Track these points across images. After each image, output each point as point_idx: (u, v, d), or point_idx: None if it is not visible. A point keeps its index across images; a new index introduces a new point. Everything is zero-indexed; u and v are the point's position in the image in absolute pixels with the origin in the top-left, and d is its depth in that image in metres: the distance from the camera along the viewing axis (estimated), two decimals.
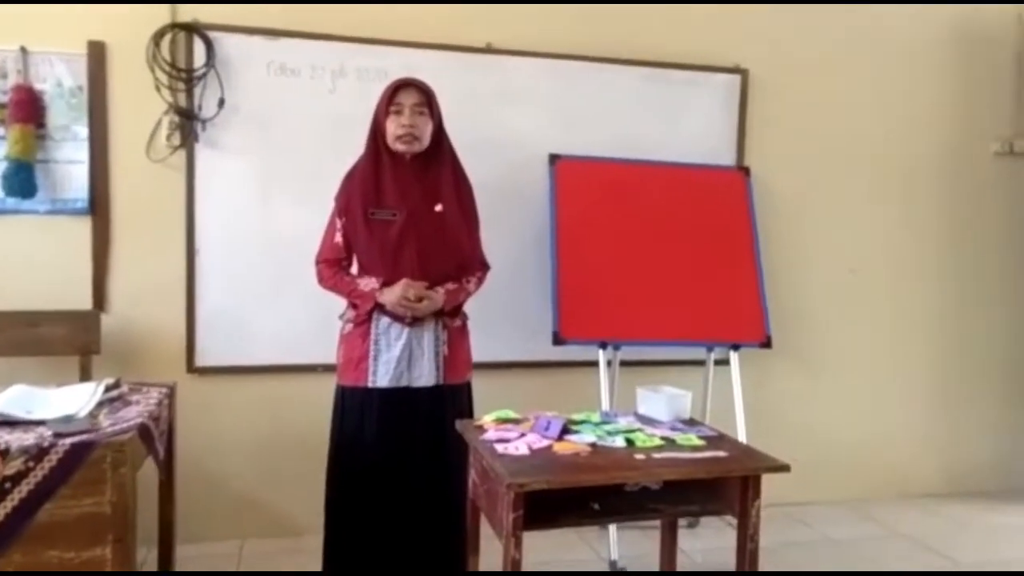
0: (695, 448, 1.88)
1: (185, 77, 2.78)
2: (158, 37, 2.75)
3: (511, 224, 3.12)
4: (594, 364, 2.98)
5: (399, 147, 2.29)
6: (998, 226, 3.75)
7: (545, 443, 1.87)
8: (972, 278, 3.73)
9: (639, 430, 2.01)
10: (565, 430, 1.97)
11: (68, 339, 2.64)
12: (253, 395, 2.98)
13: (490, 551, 2.01)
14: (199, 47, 2.79)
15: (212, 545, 2.92)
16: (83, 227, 2.80)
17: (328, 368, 2.51)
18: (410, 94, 2.29)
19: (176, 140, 2.81)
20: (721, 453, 1.84)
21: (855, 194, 3.55)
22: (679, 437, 1.96)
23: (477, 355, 2.91)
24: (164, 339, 2.88)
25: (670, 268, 3.06)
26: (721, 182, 3.25)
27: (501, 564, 1.73)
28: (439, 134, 2.37)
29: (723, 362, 3.10)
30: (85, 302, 2.79)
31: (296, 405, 2.98)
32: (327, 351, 2.51)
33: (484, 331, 2.98)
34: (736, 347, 3.02)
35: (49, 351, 2.64)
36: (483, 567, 2.13)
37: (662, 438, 1.95)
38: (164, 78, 2.77)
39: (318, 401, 2.64)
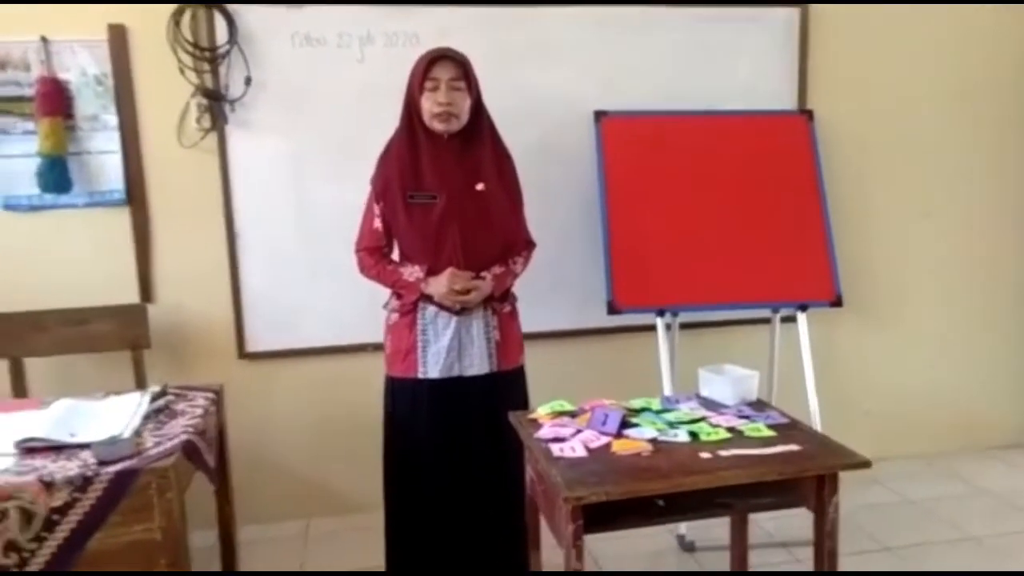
0: (765, 441, 1.75)
1: (209, 57, 2.66)
2: (177, 16, 2.63)
3: (557, 188, 2.97)
4: (652, 328, 2.84)
5: (436, 126, 2.14)
6: None
7: (603, 441, 1.77)
8: None
9: (703, 419, 1.89)
10: (624, 423, 1.86)
11: (118, 334, 2.62)
12: (305, 377, 2.95)
13: (552, 544, 1.94)
14: (220, 24, 2.67)
15: (278, 526, 2.95)
16: (122, 218, 2.75)
17: (377, 347, 2.43)
18: (446, 67, 2.13)
19: (206, 123, 2.71)
20: (794, 447, 1.71)
21: (927, 134, 3.28)
22: (747, 427, 1.83)
23: (530, 326, 2.81)
24: (213, 327, 2.85)
25: (729, 225, 2.87)
26: (782, 128, 3.02)
27: (563, 561, 1.66)
28: (477, 108, 2.21)
29: (790, 319, 2.93)
30: (131, 295, 2.76)
31: (348, 384, 2.94)
32: (374, 330, 2.43)
33: (536, 301, 2.88)
34: (804, 307, 2.84)
35: (99, 347, 2.63)
36: (544, 562, 2.07)
37: (728, 429, 1.82)
38: (188, 59, 2.66)
39: (369, 379, 2.59)
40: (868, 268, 3.30)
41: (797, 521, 2.67)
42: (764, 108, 3.07)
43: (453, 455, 2.23)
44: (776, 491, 1.76)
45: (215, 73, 2.70)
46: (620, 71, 2.99)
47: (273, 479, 2.98)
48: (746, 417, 1.90)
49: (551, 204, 2.96)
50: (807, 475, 1.66)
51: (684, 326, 3.02)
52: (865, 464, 1.65)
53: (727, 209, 2.88)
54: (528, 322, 2.78)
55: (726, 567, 2.28)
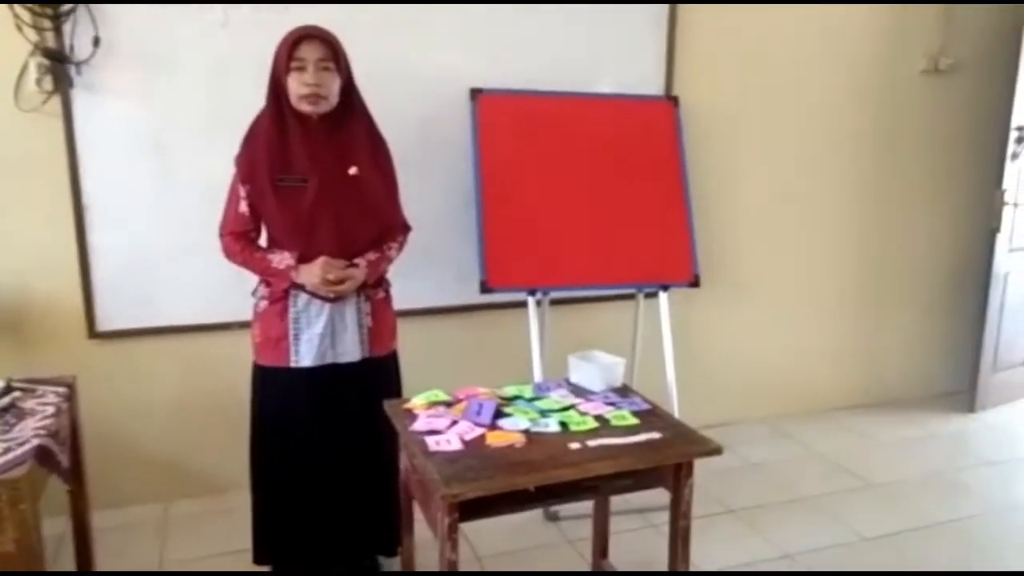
0: (629, 429, 1.86)
1: (51, 13, 2.43)
2: None
3: (433, 165, 2.96)
4: (524, 305, 2.91)
5: (304, 108, 2.07)
6: (922, 145, 3.78)
7: (478, 432, 1.82)
8: (892, 197, 3.78)
9: (572, 407, 1.98)
10: (498, 413, 1.91)
11: None
12: (165, 356, 2.82)
13: (425, 530, 1.99)
14: None
15: (136, 509, 2.85)
16: None
17: (243, 325, 2.36)
18: (313, 47, 2.06)
19: (48, 85, 2.49)
20: (655, 435, 1.83)
21: (783, 117, 3.50)
22: (613, 415, 1.93)
23: (406, 303, 2.83)
24: (60, 305, 2.67)
25: (598, 207, 2.96)
26: (649, 113, 3.13)
27: (435, 543, 1.70)
28: (349, 89, 2.15)
29: (654, 295, 3.08)
30: None
31: (211, 363, 2.85)
32: (239, 307, 2.37)
33: (411, 277, 2.90)
34: (665, 287, 3.00)
35: None
36: (417, 546, 2.12)
37: (596, 417, 1.92)
38: (25, 15, 2.42)
39: (233, 359, 2.54)
40: (730, 248, 3.52)
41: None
42: (636, 92, 3.16)
43: (326, 441, 2.22)
44: (638, 474, 1.88)
45: (58, 31, 2.47)
46: (498, 49, 2.98)
47: (129, 462, 2.85)
48: (612, 404, 2.01)
49: (429, 181, 2.95)
50: (669, 463, 1.77)
51: (555, 302, 3.11)
52: (717, 451, 1.79)
53: (595, 191, 2.97)
54: (404, 299, 2.78)
55: (588, 535, 2.41)
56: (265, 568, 2.32)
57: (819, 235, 3.69)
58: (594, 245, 2.94)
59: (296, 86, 2.06)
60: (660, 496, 2.76)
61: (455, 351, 3.09)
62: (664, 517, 2.74)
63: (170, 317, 2.77)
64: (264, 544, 2.30)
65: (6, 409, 1.74)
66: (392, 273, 2.44)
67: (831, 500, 2.96)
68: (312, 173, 2.10)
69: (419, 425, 1.86)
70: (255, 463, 2.27)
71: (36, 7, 2.42)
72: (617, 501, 2.73)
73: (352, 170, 2.15)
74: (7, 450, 1.54)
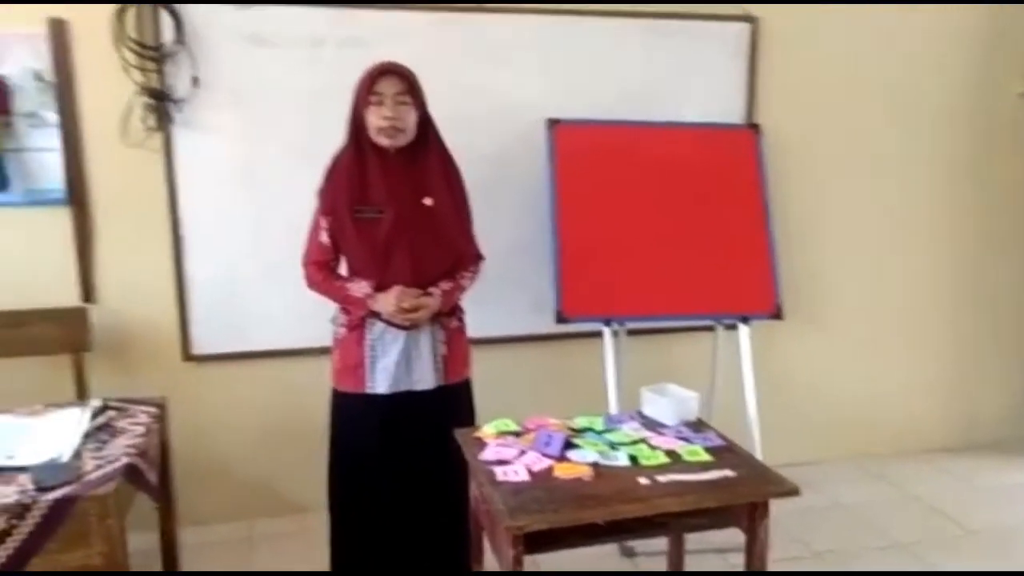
0: (703, 466, 1.82)
1: (154, 55, 2.60)
2: (121, 13, 2.56)
3: (510, 195, 3.00)
4: (600, 335, 2.89)
5: (383, 140, 2.14)
6: (1020, 171, 3.58)
7: (546, 464, 1.81)
8: (990, 227, 3.59)
9: (643, 441, 1.94)
10: (567, 444, 1.90)
11: (58, 338, 2.57)
12: (252, 380, 2.93)
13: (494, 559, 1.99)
14: (167, 22, 2.60)
15: (222, 527, 2.95)
16: (63, 218, 2.68)
17: (326, 350, 2.43)
18: (391, 82, 2.13)
19: (151, 122, 2.66)
20: (728, 473, 1.78)
21: (871, 144, 3.38)
22: (685, 451, 1.89)
23: (480, 331, 2.86)
24: (158, 329, 2.81)
25: (676, 237, 2.92)
26: (730, 141, 3.08)
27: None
28: (425, 122, 2.21)
29: (734, 327, 3.01)
30: (72, 297, 2.71)
31: (296, 387, 2.93)
32: (323, 334, 2.43)
33: (487, 305, 2.92)
34: (745, 319, 2.92)
35: (39, 351, 2.57)
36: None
37: (667, 452, 1.88)
38: (132, 57, 2.59)
39: (317, 384, 2.59)
40: (814, 278, 3.40)
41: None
42: (716, 120, 3.12)
43: (400, 468, 2.25)
44: (711, 513, 1.82)
45: (160, 72, 2.64)
46: (575, 79, 3.00)
47: (217, 481, 2.96)
48: (685, 439, 1.96)
49: (504, 210, 2.98)
50: (740, 502, 1.72)
51: (632, 332, 3.07)
52: (794, 492, 1.72)
53: (674, 220, 2.94)
54: (478, 328, 2.81)
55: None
56: None
57: (911, 266, 3.52)
58: (672, 275, 2.90)
59: (374, 119, 2.13)
60: (740, 535, 2.71)
61: (530, 380, 3.09)
62: (738, 558, 2.68)
63: (259, 342, 2.88)
64: (341, 566, 2.34)
65: (100, 428, 1.84)
66: (468, 301, 2.47)
67: (927, 547, 2.79)
68: (389, 204, 2.16)
69: (487, 454, 1.87)
70: (332, 486, 2.33)
71: (141, 49, 2.58)
72: (696, 540, 2.66)
73: (427, 201, 2.20)
74: (98, 467, 1.63)
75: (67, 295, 2.70)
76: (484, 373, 2.84)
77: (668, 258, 2.91)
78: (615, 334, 2.90)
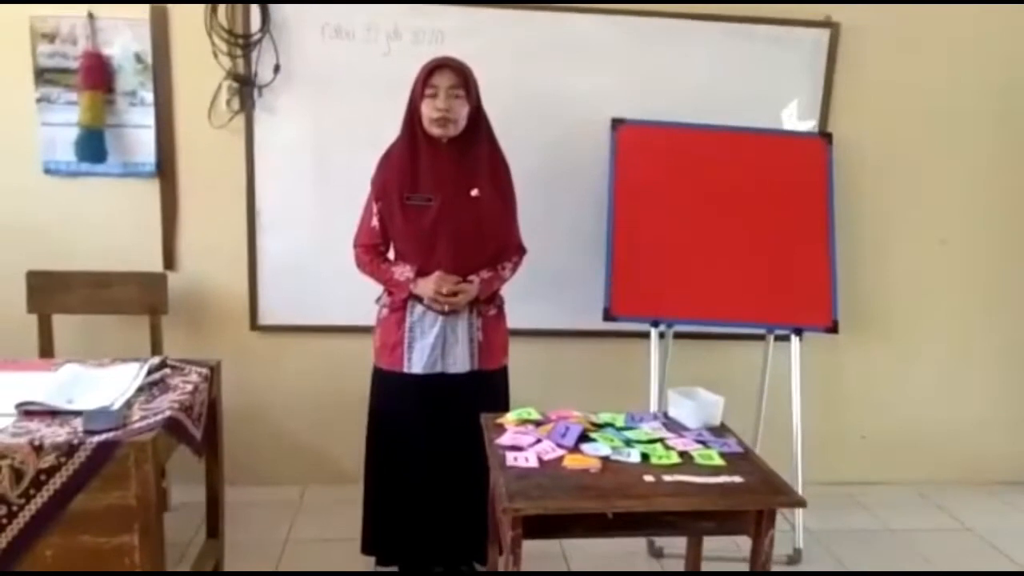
0: (713, 470, 1.82)
1: (241, 43, 2.79)
2: (215, 3, 2.75)
3: (570, 190, 3.04)
4: (648, 335, 2.90)
5: (435, 131, 2.23)
6: None
7: (557, 454, 1.86)
8: None
9: (660, 440, 1.96)
10: (583, 437, 1.95)
11: (138, 299, 2.80)
12: (312, 352, 3.10)
13: None
14: (255, 12, 2.78)
15: (276, 489, 3.13)
16: (152, 189, 2.92)
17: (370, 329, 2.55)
18: (445, 75, 2.22)
19: (235, 105, 2.85)
20: (737, 479, 1.78)
21: (950, 157, 3.23)
22: (699, 453, 1.90)
23: (528, 322, 2.94)
24: (229, 298, 3.02)
25: (734, 243, 2.90)
26: (799, 149, 3.01)
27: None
28: (476, 116, 2.29)
29: (786, 338, 2.95)
30: (156, 263, 2.94)
31: (354, 362, 3.00)
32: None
33: (538, 298, 3.02)
34: (798, 331, 2.87)
35: (120, 310, 2.80)
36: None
37: (680, 453, 1.90)
38: (222, 45, 2.79)
39: (370, 359, 2.71)
40: (880, 292, 3.30)
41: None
42: (788, 127, 3.07)
43: (432, 446, 2.35)
44: (719, 518, 1.84)
45: (247, 59, 2.82)
46: (643, 80, 3.01)
47: (275, 445, 3.16)
48: (702, 442, 1.97)
49: (564, 206, 3.04)
50: (742, 509, 1.72)
51: (682, 335, 3.07)
52: (800, 503, 1.71)
53: (733, 226, 2.91)
54: (527, 319, 2.90)
55: None
56: (371, 558, 2.48)
57: (986, 286, 3.35)
58: (726, 281, 2.87)
59: (428, 111, 2.23)
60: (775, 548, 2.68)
61: (576, 375, 3.13)
62: (775, 572, 2.65)
63: (319, 317, 3.04)
64: (371, 536, 2.47)
65: (155, 383, 2.01)
66: (520, 293, 2.55)
67: None
68: (437, 193, 2.26)
69: (504, 440, 1.94)
70: (368, 458, 2.45)
71: (230, 37, 2.77)
72: (725, 546, 2.66)
73: (474, 192, 2.28)
74: (143, 417, 1.79)
75: (152, 261, 2.93)
76: (529, 364, 2.92)
77: (723, 264, 2.89)
78: (661, 336, 2.91)
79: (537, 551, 2.62)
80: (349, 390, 3.07)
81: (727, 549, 2.56)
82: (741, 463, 1.88)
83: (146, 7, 2.78)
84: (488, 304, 2.37)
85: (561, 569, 2.66)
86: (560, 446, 1.90)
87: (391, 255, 2.41)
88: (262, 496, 3.06)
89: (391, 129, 2.37)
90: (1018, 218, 3.32)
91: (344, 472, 3.15)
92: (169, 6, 2.79)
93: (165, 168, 2.89)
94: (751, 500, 1.72)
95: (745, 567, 2.59)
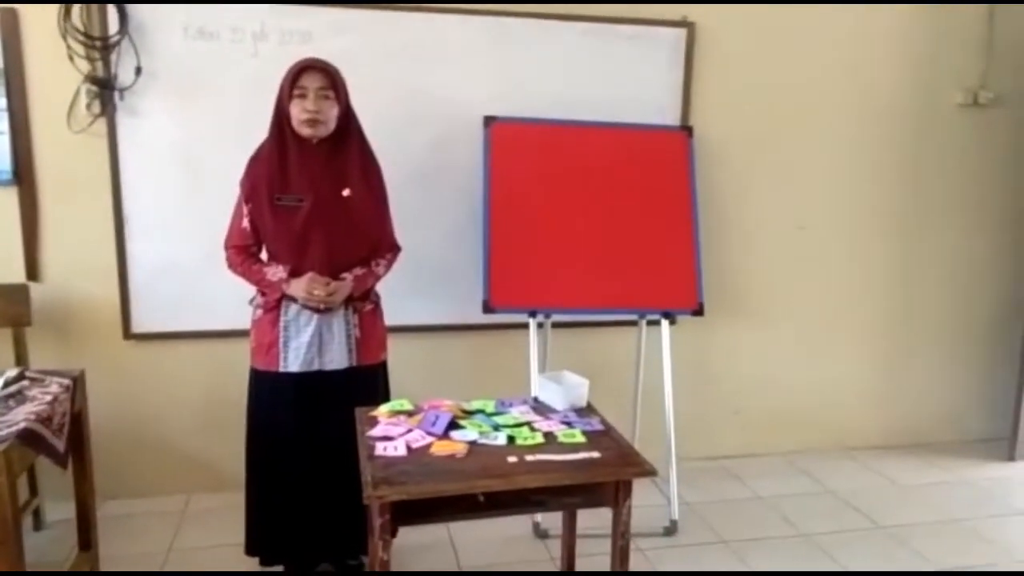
0: (574, 447, 1.92)
1: (99, 46, 2.72)
2: (68, 4, 2.67)
3: (446, 189, 3.11)
4: (527, 327, 3.00)
5: (304, 131, 2.25)
6: (959, 180, 3.66)
7: (426, 441, 1.92)
8: (924, 233, 3.68)
9: (527, 424, 2.05)
10: (452, 425, 2.01)
11: None
12: (192, 358, 3.05)
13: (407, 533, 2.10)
14: (112, 13, 2.72)
15: (160, 500, 3.07)
16: (10, 198, 2.81)
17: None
18: (314, 77, 2.24)
19: (96, 109, 2.78)
20: (595, 454, 1.88)
21: (807, 149, 3.47)
22: (563, 433, 2.00)
23: (411, 318, 3.00)
24: (99, 308, 2.93)
25: (604, 234, 3.03)
26: (662, 142, 3.17)
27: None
28: (346, 116, 2.32)
29: (657, 322, 3.11)
30: (18, 274, 2.83)
31: (235, 366, 2.97)
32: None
33: (419, 294, 3.07)
34: (668, 315, 3.03)
35: None
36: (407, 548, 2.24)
37: (546, 434, 1.99)
38: (78, 47, 2.71)
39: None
40: (744, 276, 3.50)
41: (646, 512, 2.90)
42: (650, 122, 3.22)
43: (311, 444, 2.37)
44: (583, 492, 1.93)
45: (106, 62, 2.75)
46: (512, 79, 3.11)
47: (158, 456, 3.09)
48: (568, 423, 2.07)
49: (440, 203, 3.10)
50: (596, 481, 1.82)
51: (560, 325, 3.18)
52: (651, 472, 1.82)
53: (604, 218, 3.04)
54: (408, 315, 2.96)
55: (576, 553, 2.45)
56: (254, 559, 2.48)
57: (844, 267, 3.62)
58: (598, 270, 3.00)
59: (297, 112, 2.25)
60: (651, 522, 2.82)
61: (459, 368, 3.20)
62: (653, 543, 2.80)
63: (196, 323, 3.00)
64: (254, 537, 2.46)
65: (11, 396, 1.96)
66: (402, 289, 2.59)
67: (831, 539, 2.89)
68: (308, 193, 2.27)
69: (376, 431, 1.98)
70: (248, 461, 2.45)
71: (87, 40, 2.70)
72: (605, 524, 2.78)
73: (345, 192, 2.31)
74: None
75: (13, 272, 2.82)
76: (412, 359, 2.97)
77: (595, 254, 3.02)
78: (540, 326, 3.02)
79: (426, 538, 2.70)
80: (231, 395, 3.03)
81: (605, 527, 2.68)
82: (601, 439, 1.98)
83: None
84: (363, 300, 2.40)
85: (448, 555, 2.72)
86: (430, 434, 1.96)
87: (264, 255, 2.40)
88: (145, 507, 3.01)
89: (261, 130, 2.38)
90: (868, 205, 3.59)
91: (230, 478, 3.09)
92: (19, 7, 2.70)
93: (23, 175, 2.79)
94: (604, 472, 1.83)
95: (634, 542, 2.77)
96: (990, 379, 3.86)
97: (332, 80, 2.27)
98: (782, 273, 3.56)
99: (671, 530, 2.90)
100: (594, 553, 2.49)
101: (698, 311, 3.06)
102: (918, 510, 3.14)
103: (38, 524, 2.82)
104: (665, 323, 3.03)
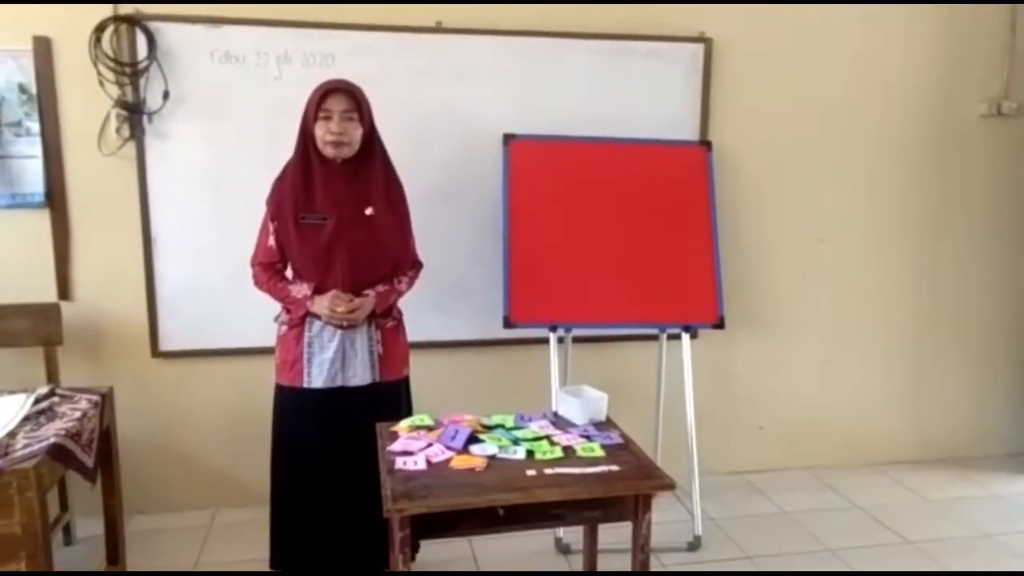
0: (593, 461, 1.93)
1: (128, 71, 2.80)
2: (99, 31, 2.76)
3: (467, 206, 3.14)
4: (548, 342, 3.01)
5: (329, 152, 2.30)
6: (984, 191, 3.63)
7: (446, 456, 1.94)
8: (948, 245, 3.64)
9: (546, 438, 2.06)
10: (472, 439, 2.03)
11: (31, 331, 2.76)
12: (217, 376, 3.10)
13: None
14: (141, 39, 2.80)
15: (187, 515, 3.12)
16: (42, 220, 2.89)
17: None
18: (339, 100, 2.29)
19: (125, 133, 2.85)
20: (614, 468, 1.89)
21: (827, 161, 3.46)
22: (582, 447, 2.00)
23: (432, 334, 3.03)
24: (128, 326, 3.00)
25: (624, 249, 3.04)
26: (681, 158, 3.19)
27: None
28: (370, 136, 2.36)
29: (678, 337, 3.10)
30: (50, 294, 2.90)
31: (261, 382, 3.01)
32: None
33: (441, 311, 3.11)
34: (688, 328, 3.02)
35: (14, 343, 2.76)
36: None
37: (565, 448, 2.00)
38: (108, 73, 2.79)
39: None
40: (766, 291, 3.49)
41: (669, 528, 2.89)
42: (668, 137, 3.23)
43: (334, 460, 2.40)
44: (602, 506, 1.94)
45: (135, 86, 2.83)
46: (532, 97, 3.14)
47: (185, 471, 3.14)
48: (587, 436, 2.08)
49: (461, 220, 3.14)
50: (616, 494, 1.83)
51: (580, 339, 3.19)
52: (670, 486, 1.82)
53: (623, 233, 3.05)
54: (430, 331, 2.99)
55: (597, 567, 2.45)
56: (278, 572, 2.50)
57: (867, 279, 3.59)
58: (618, 285, 3.01)
59: (322, 133, 2.29)
60: (674, 537, 2.81)
61: (481, 384, 3.22)
62: (677, 558, 2.79)
63: (224, 340, 3.05)
64: (278, 551, 2.49)
65: (42, 412, 2.01)
66: (424, 307, 2.61)
67: (858, 554, 2.85)
68: (332, 212, 2.32)
69: (396, 446, 2.00)
70: (273, 476, 2.48)
71: (116, 65, 2.78)
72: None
73: (368, 211, 2.35)
74: (27, 446, 1.79)
75: (45, 292, 2.90)
76: (433, 375, 2.99)
77: (616, 269, 3.03)
78: (560, 341, 3.03)
79: (448, 554, 2.71)
80: (257, 411, 3.07)
81: (627, 542, 2.67)
82: (620, 454, 1.99)
83: (28, 38, 2.77)
84: (385, 317, 2.43)
85: (471, 569, 2.72)
86: (450, 448, 1.98)
87: (289, 273, 2.45)
88: (172, 523, 3.05)
89: (286, 150, 2.42)
90: (890, 216, 3.57)
91: (256, 493, 3.12)
92: (52, 36, 2.78)
93: (55, 198, 2.87)
94: (623, 486, 1.83)
95: (657, 557, 2.76)
96: (1020, 391, 3.79)
97: (357, 102, 2.32)
98: (804, 286, 3.54)
99: (695, 545, 2.88)
100: (616, 569, 2.48)
101: (719, 324, 3.05)
102: (948, 525, 3.10)
103: (68, 539, 2.87)
104: (686, 337, 3.02)
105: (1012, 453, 3.77)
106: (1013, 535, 3.02)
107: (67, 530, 2.86)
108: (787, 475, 3.54)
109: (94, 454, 2.06)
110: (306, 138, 2.35)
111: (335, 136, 2.28)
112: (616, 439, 2.07)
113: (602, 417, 2.21)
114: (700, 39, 3.23)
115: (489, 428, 2.13)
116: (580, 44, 3.14)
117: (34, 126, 2.82)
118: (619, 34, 3.16)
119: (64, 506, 2.83)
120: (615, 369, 3.25)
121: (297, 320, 2.38)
